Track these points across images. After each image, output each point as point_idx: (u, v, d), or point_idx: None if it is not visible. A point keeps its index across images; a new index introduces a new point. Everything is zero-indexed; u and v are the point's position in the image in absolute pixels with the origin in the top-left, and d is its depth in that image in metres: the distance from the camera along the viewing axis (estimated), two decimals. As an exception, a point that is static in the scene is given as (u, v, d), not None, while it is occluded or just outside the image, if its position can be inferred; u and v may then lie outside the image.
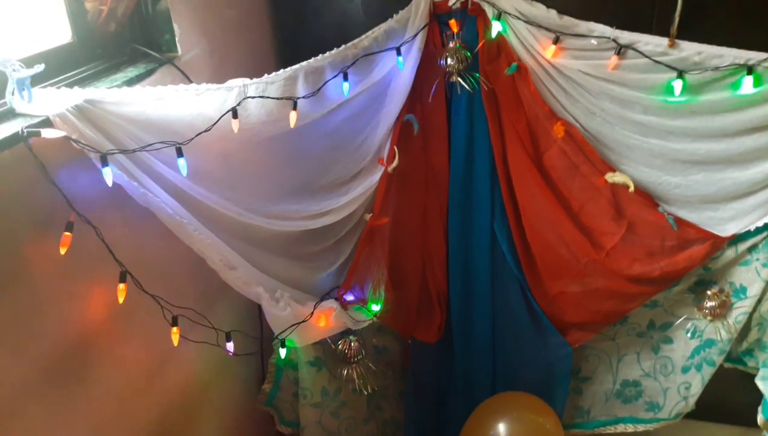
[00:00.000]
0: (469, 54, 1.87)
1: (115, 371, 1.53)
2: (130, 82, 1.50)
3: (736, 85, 1.67)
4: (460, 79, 1.87)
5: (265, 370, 2.09)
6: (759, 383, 1.99)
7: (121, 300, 1.37)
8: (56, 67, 1.44)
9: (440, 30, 1.87)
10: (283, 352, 1.81)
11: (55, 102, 1.25)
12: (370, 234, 1.94)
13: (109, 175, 1.27)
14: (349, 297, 1.93)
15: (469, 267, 2.14)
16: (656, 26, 1.75)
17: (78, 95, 1.28)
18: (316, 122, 1.74)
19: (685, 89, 1.70)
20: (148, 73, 1.57)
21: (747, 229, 1.86)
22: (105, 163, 1.27)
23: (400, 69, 1.81)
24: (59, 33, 1.50)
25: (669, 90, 1.71)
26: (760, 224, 1.84)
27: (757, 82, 1.64)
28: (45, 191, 1.22)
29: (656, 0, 1.76)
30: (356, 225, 1.97)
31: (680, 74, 1.69)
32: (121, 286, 1.36)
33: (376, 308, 1.97)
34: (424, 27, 1.83)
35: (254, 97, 1.55)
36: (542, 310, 2.10)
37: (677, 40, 1.69)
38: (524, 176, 1.95)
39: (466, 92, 1.90)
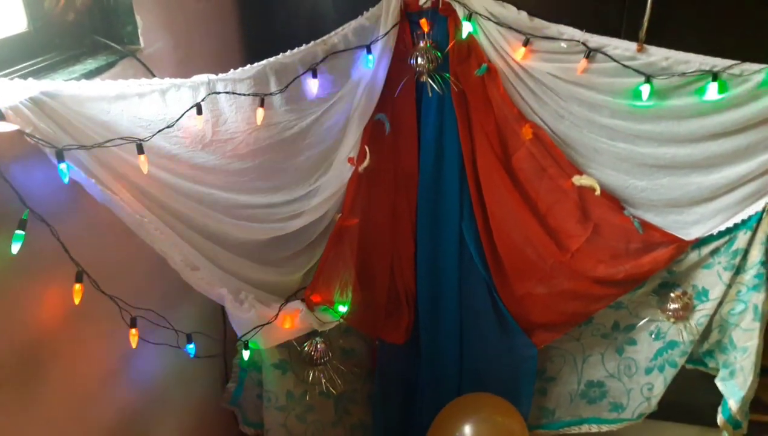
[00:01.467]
0: (439, 54, 1.85)
1: (71, 373, 1.48)
2: (89, 75, 1.45)
3: (701, 91, 1.69)
4: (429, 79, 1.86)
5: (228, 372, 2.05)
6: (719, 383, 2.02)
7: (77, 301, 1.32)
8: (10, 57, 1.38)
9: (411, 29, 1.85)
10: (246, 354, 1.77)
11: (7, 94, 1.19)
12: (339, 234, 1.92)
13: (65, 171, 1.22)
14: (316, 298, 1.90)
15: (437, 267, 2.14)
16: (625, 31, 1.77)
17: (33, 87, 1.22)
18: (302, 132, 1.73)
19: (653, 94, 1.72)
20: (109, 66, 1.52)
21: (710, 233, 1.88)
22: (61, 158, 1.22)
23: (369, 68, 1.78)
24: (14, 21, 1.44)
25: (637, 94, 1.72)
26: (722, 228, 1.86)
27: (722, 89, 1.66)
28: (-4, 187, 1.17)
29: (626, 5, 1.77)
30: (328, 227, 1.95)
31: (648, 79, 1.70)
32: (77, 286, 1.32)
33: (343, 309, 1.94)
34: (395, 25, 1.81)
35: (220, 93, 1.51)
36: (509, 311, 2.11)
37: (646, 45, 1.70)
38: (492, 177, 1.95)
39: (436, 92, 1.89)
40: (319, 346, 1.99)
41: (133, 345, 1.47)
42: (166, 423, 1.92)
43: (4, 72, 1.34)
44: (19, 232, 1.19)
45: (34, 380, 1.37)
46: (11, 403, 1.31)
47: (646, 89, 1.71)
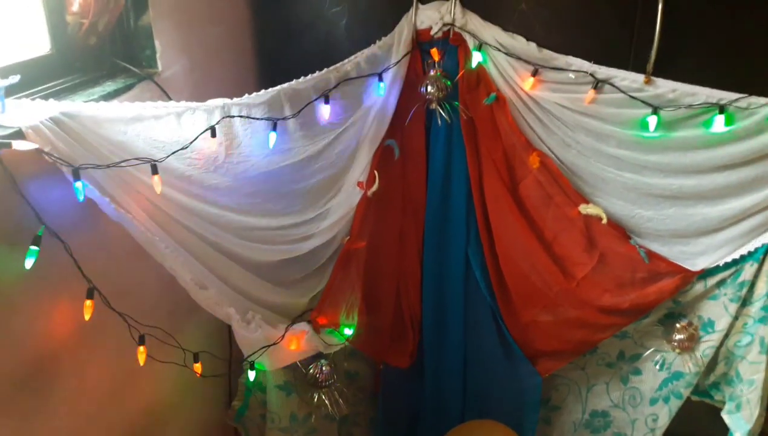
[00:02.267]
0: (449, 83, 1.89)
1: (79, 388, 1.49)
2: (108, 97, 1.49)
3: (708, 124, 1.71)
4: (439, 107, 1.89)
5: (232, 392, 2.06)
6: (725, 417, 2.01)
7: (87, 317, 1.34)
8: (33, 78, 1.42)
9: (422, 58, 1.89)
10: (252, 375, 1.78)
11: (29, 114, 1.22)
12: (346, 257, 1.94)
13: (80, 189, 1.25)
14: (322, 320, 1.91)
15: (442, 292, 2.15)
16: (633, 63, 1.79)
17: (53, 108, 1.26)
18: (313, 156, 1.76)
19: (659, 125, 1.74)
20: (127, 88, 1.56)
21: (716, 264, 1.89)
22: (77, 177, 1.25)
23: (380, 95, 1.82)
24: (38, 44, 1.48)
25: (644, 125, 1.75)
26: (728, 259, 1.87)
27: (729, 122, 1.68)
28: (14, 204, 1.20)
29: (634, 37, 1.79)
30: (336, 251, 1.97)
31: (655, 110, 1.72)
32: (88, 302, 1.34)
33: (348, 331, 1.96)
34: (407, 54, 1.85)
35: (234, 117, 1.54)
36: (513, 338, 2.11)
37: (653, 77, 1.73)
38: (499, 204, 1.97)
39: (445, 120, 1.92)
40: (324, 368, 2.00)
41: (141, 362, 1.48)
42: (170, 440, 1.93)
43: (26, 93, 1.38)
44: (33, 247, 1.21)
45: (43, 393, 1.38)
46: (20, 415, 1.32)
47: (653, 120, 1.73)
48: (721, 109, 1.68)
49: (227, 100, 1.53)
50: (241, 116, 1.56)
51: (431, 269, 2.12)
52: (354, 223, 1.93)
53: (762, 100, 1.66)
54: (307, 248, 1.83)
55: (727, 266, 1.88)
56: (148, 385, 1.74)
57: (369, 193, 1.89)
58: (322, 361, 2.01)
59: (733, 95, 1.67)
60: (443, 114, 1.90)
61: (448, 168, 2.00)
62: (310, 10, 1.97)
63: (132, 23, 1.64)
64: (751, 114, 1.67)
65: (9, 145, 1.15)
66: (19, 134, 1.18)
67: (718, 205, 1.83)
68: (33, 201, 1.23)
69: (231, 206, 1.63)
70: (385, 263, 2.07)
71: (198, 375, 1.65)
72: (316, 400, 2.02)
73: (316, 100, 1.70)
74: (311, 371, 2.01)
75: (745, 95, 1.66)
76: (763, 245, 1.81)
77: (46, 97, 1.37)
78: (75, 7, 1.48)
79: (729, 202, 1.81)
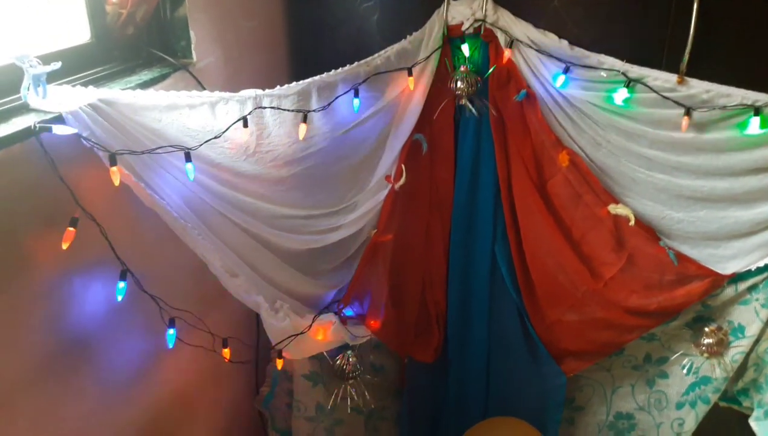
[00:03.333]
0: (479, 79, 1.89)
1: (108, 368, 1.53)
2: (144, 85, 1.52)
3: (743, 126, 1.68)
4: (468, 102, 1.89)
5: (259, 378, 2.09)
6: (753, 423, 1.98)
7: (119, 298, 1.38)
8: (73, 65, 1.46)
9: (452, 53, 1.89)
10: (279, 363, 1.81)
11: (69, 99, 1.26)
12: (373, 250, 1.96)
13: (116, 174, 1.28)
14: (349, 312, 1.93)
15: (468, 288, 2.15)
16: (666, 62, 1.77)
17: (92, 94, 1.30)
18: (334, 144, 1.76)
19: (693, 126, 1.71)
20: (162, 78, 1.59)
21: (748, 268, 1.86)
22: (113, 162, 1.28)
23: (410, 89, 1.83)
24: (79, 33, 1.53)
25: (676, 126, 1.72)
26: (761, 264, 1.84)
27: (764, 124, 1.66)
28: (53, 186, 1.24)
29: (667, 36, 1.78)
30: (365, 242, 1.99)
31: (688, 111, 1.70)
32: (121, 284, 1.38)
33: (374, 324, 1.97)
34: (437, 49, 1.86)
35: (266, 108, 1.57)
36: (539, 336, 2.10)
37: (686, 78, 1.70)
38: (527, 202, 1.97)
39: (474, 116, 1.92)
40: (350, 360, 2.02)
41: (170, 345, 1.52)
42: (196, 425, 1.96)
43: (67, 79, 1.42)
44: (70, 229, 1.25)
45: (74, 373, 1.42)
46: (52, 395, 1.37)
47: (685, 121, 1.71)
48: (757, 110, 1.65)
49: (259, 91, 1.56)
50: (272, 107, 1.58)
51: (457, 265, 2.13)
52: (381, 216, 1.94)
53: (797, 102, 1.63)
54: (334, 238, 1.85)
55: (759, 270, 1.85)
56: (177, 368, 1.78)
57: (396, 186, 1.90)
58: (349, 352, 2.02)
59: (769, 97, 1.65)
60: (472, 110, 1.90)
61: (476, 164, 2.00)
62: (343, 5, 2.00)
63: (168, 14, 1.68)
64: (786, 116, 1.64)
65: (49, 129, 1.19)
66: (59, 119, 1.22)
67: (750, 208, 1.80)
68: (70, 184, 1.26)
69: (259, 194, 1.66)
70: (412, 257, 2.08)
71: (226, 360, 1.68)
72: (342, 391, 2.03)
73: (345, 93, 1.72)
74: (338, 362, 2.02)
75: (781, 96, 1.64)
76: (796, 251, 1.78)
77: (85, 84, 1.40)
78: (114, -2, 1.52)
79: (762, 205, 1.79)
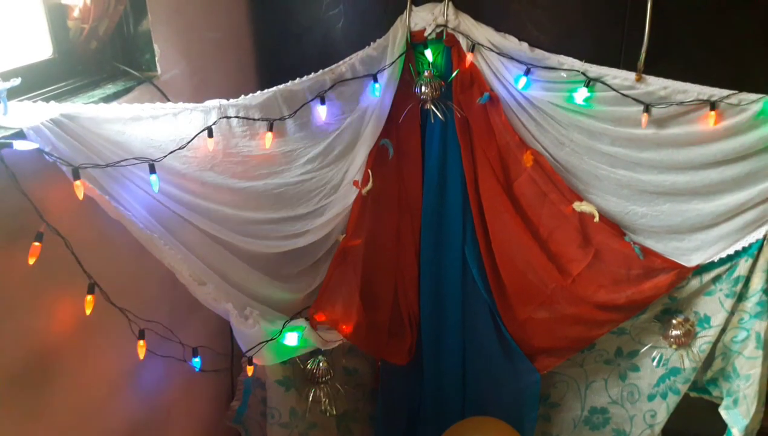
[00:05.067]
0: (443, 83, 1.92)
1: (79, 383, 1.52)
2: (108, 99, 1.53)
3: (699, 120, 1.72)
4: (433, 106, 1.92)
5: (234, 387, 2.09)
6: (723, 412, 2.02)
7: (88, 312, 1.38)
8: (36, 81, 1.46)
9: (416, 59, 1.92)
10: (250, 369, 1.81)
11: (30, 115, 1.27)
12: (342, 255, 1.97)
13: (80, 188, 1.29)
14: (320, 317, 1.94)
15: (440, 290, 2.17)
16: (624, 61, 1.81)
17: (54, 109, 1.30)
18: (301, 150, 1.78)
19: (652, 123, 1.76)
20: (126, 91, 1.60)
21: (711, 260, 1.90)
22: (77, 176, 1.29)
23: (376, 96, 1.86)
24: (41, 48, 1.53)
25: (636, 123, 1.76)
26: (723, 255, 1.88)
27: (718, 118, 1.70)
28: (16, 201, 1.24)
29: (624, 35, 1.82)
30: (332, 247, 2.00)
31: (647, 108, 1.74)
32: (89, 297, 1.37)
33: (346, 328, 1.98)
34: (401, 55, 1.89)
35: (230, 118, 1.58)
36: (511, 335, 2.13)
37: (644, 75, 1.75)
38: (495, 202, 2.00)
39: (440, 119, 1.95)
40: (321, 365, 2.03)
41: (141, 356, 1.52)
42: (172, 436, 1.96)
43: (30, 95, 1.42)
44: (36, 244, 1.26)
45: (44, 389, 1.41)
46: (21, 410, 1.36)
47: (645, 118, 1.75)
48: (713, 105, 1.69)
49: (224, 101, 1.57)
50: (237, 117, 1.60)
51: (428, 267, 2.15)
52: (350, 220, 1.96)
53: (752, 96, 1.68)
54: (302, 243, 1.86)
55: (722, 261, 1.90)
56: (150, 381, 1.78)
57: (363, 192, 1.92)
58: (320, 357, 2.04)
59: (724, 92, 1.69)
60: (438, 113, 1.93)
61: (444, 167, 2.03)
62: (308, 13, 2.02)
63: (132, 28, 1.68)
64: (742, 110, 1.69)
65: (10, 145, 1.19)
66: (20, 135, 1.22)
67: (711, 200, 1.85)
68: (34, 199, 1.26)
69: (226, 202, 1.66)
70: (383, 261, 2.10)
71: (198, 370, 1.68)
72: (312, 396, 2.05)
73: (311, 101, 1.74)
74: (308, 366, 2.04)
75: (736, 92, 1.68)
76: (757, 241, 1.83)
77: (48, 100, 1.40)
78: (76, 13, 1.52)
79: (723, 197, 1.83)
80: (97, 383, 1.59)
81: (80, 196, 1.29)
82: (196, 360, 1.66)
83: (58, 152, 1.26)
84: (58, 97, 1.48)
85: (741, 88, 1.69)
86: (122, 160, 1.39)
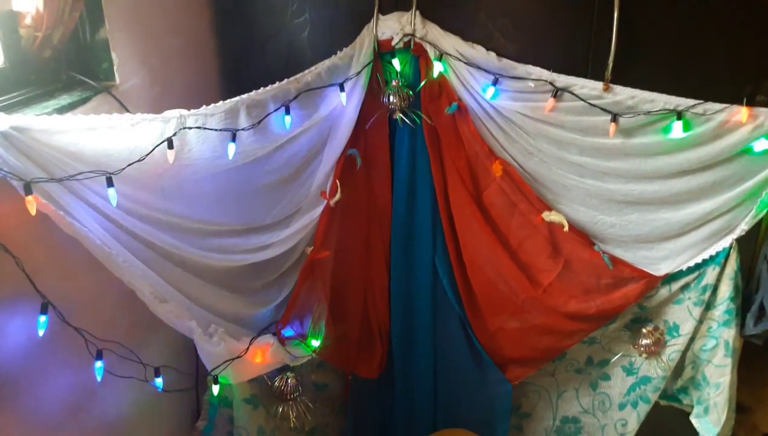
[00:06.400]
0: (411, 92, 1.90)
1: (36, 407, 1.46)
2: (62, 110, 1.47)
3: (667, 130, 1.73)
4: (402, 116, 1.90)
5: (200, 407, 2.03)
6: (694, 420, 2.03)
7: (41, 333, 1.32)
8: (-15, 92, 1.40)
9: (384, 68, 1.90)
10: (216, 389, 1.76)
11: (-22, 128, 1.21)
12: (310, 267, 1.93)
13: (32, 204, 1.23)
14: (288, 332, 1.90)
15: (411, 301, 2.15)
16: (592, 71, 1.81)
17: (3, 122, 1.24)
18: (262, 159, 1.73)
19: (620, 132, 1.75)
20: (83, 102, 1.54)
21: (679, 268, 1.91)
22: (29, 191, 1.23)
23: (343, 105, 1.82)
24: (-9, 58, 1.47)
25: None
26: (691, 263, 1.89)
27: (687, 127, 1.71)
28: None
29: (592, 45, 1.82)
30: (299, 259, 1.96)
31: (615, 117, 1.74)
32: (42, 318, 1.32)
33: (315, 343, 1.94)
34: (368, 65, 1.86)
35: (191, 128, 1.53)
36: (482, 346, 2.11)
37: (611, 85, 1.74)
38: (464, 213, 1.98)
39: (409, 129, 1.93)
40: (289, 381, 1.99)
41: (98, 378, 1.46)
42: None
43: (-23, 107, 1.36)
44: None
45: (-3, 413, 1.36)
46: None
47: (612, 127, 1.75)
48: (679, 115, 1.70)
49: (184, 111, 1.52)
50: (198, 127, 1.54)
51: (399, 278, 2.12)
52: (317, 233, 1.92)
53: (717, 106, 1.68)
54: (266, 256, 1.81)
55: (690, 270, 1.91)
56: (110, 403, 1.71)
57: (332, 202, 1.89)
58: (288, 373, 1.99)
59: (690, 101, 1.69)
60: (407, 123, 1.90)
61: (413, 177, 2.01)
62: (272, 21, 1.98)
63: (88, 36, 1.62)
64: (707, 120, 1.70)
65: (-46, 161, 1.13)
66: (-34, 149, 1.16)
67: (679, 210, 1.85)
68: (-18, 216, 1.21)
69: (185, 213, 1.61)
70: (352, 273, 2.07)
71: (160, 391, 1.62)
72: (281, 413, 2.00)
73: (276, 110, 1.70)
74: (276, 383, 1.99)
75: (701, 102, 1.69)
76: (724, 249, 1.84)
77: (-2, 112, 1.35)
78: (28, 20, 1.46)
79: (690, 207, 1.84)
80: (51, 407, 1.52)
81: (33, 211, 1.23)
82: (159, 380, 1.60)
83: (8, 166, 1.21)
84: (9, 109, 1.42)
85: (705, 98, 1.69)
86: (78, 174, 1.33)
